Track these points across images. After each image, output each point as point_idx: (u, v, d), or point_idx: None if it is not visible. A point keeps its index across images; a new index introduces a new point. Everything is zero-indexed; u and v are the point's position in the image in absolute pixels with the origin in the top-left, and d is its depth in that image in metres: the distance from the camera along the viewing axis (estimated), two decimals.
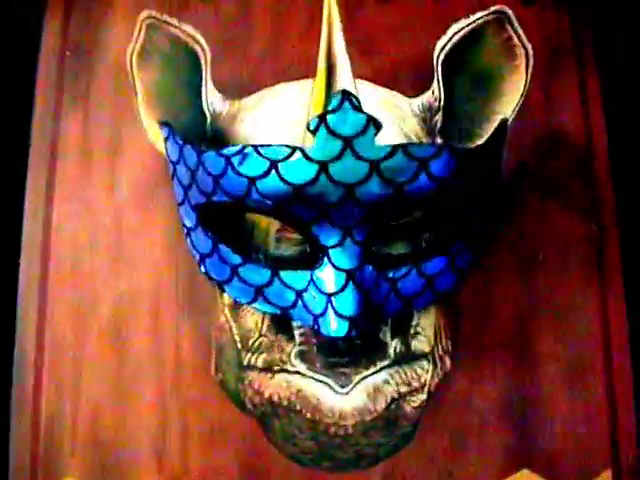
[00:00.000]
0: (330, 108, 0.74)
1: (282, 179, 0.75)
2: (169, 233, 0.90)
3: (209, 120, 0.91)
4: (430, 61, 0.91)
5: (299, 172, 0.74)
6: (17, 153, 0.93)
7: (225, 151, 0.77)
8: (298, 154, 0.74)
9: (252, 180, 0.76)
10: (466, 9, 0.93)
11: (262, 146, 0.75)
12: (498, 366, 0.88)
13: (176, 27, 0.93)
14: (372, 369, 0.86)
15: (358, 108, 0.74)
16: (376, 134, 0.74)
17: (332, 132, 0.73)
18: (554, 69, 0.94)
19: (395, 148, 0.74)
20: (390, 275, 0.81)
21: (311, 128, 0.74)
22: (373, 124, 0.74)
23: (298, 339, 0.87)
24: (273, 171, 0.75)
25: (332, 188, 0.75)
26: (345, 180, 0.74)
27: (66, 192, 0.92)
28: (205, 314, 0.89)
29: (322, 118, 0.74)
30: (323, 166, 0.74)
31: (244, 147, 0.76)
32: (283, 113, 0.90)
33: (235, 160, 0.76)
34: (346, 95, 0.74)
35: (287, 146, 0.75)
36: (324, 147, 0.74)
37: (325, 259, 0.79)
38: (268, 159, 0.75)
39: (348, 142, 0.74)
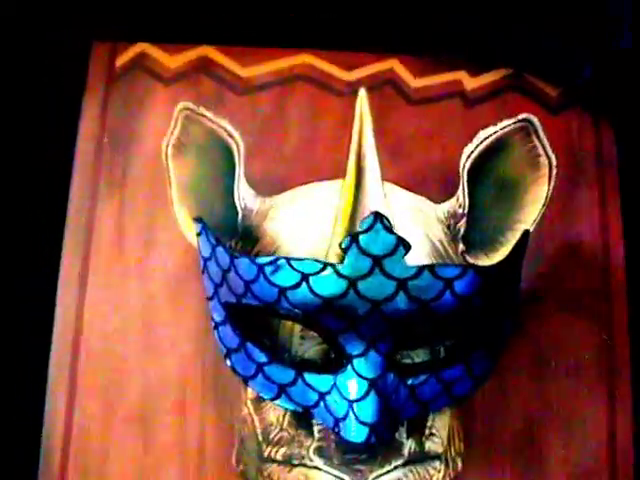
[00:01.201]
0: (362, 228, 0.77)
1: (312, 291, 0.78)
2: (197, 325, 0.92)
3: (240, 216, 0.94)
4: (457, 166, 0.94)
5: (329, 286, 0.77)
6: (52, 239, 0.94)
7: (258, 260, 0.80)
8: (329, 270, 0.77)
9: (283, 290, 0.79)
10: (494, 116, 0.97)
11: (295, 259, 0.78)
12: (507, 469, 0.90)
13: (212, 120, 0.97)
14: (387, 467, 0.89)
15: (389, 229, 0.77)
16: (405, 254, 0.77)
17: (363, 251, 0.76)
18: (576, 179, 0.97)
19: (422, 268, 0.77)
20: (409, 382, 0.84)
21: (343, 246, 0.77)
22: (402, 245, 0.77)
23: (317, 435, 0.89)
24: (304, 283, 0.78)
25: (360, 303, 0.77)
26: (373, 296, 0.77)
27: (99, 279, 0.94)
28: (229, 406, 0.91)
29: (354, 238, 0.77)
30: (352, 282, 0.77)
31: (277, 259, 0.79)
32: (311, 214, 0.94)
33: (267, 269, 0.79)
34: (378, 216, 0.77)
35: (319, 261, 0.78)
36: (354, 265, 0.77)
37: (349, 367, 0.81)
38: (300, 272, 0.78)
39: (378, 261, 0.76)
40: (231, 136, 0.96)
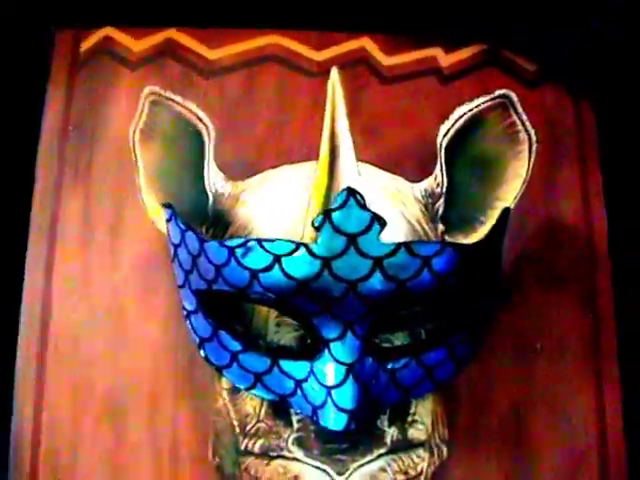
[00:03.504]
0: (335, 205, 0.74)
1: (285, 273, 0.75)
2: (169, 315, 0.89)
3: (211, 200, 0.92)
4: (434, 145, 0.92)
5: (302, 267, 0.74)
6: (17, 230, 0.91)
7: (228, 242, 0.77)
8: (302, 250, 0.74)
9: (255, 273, 0.76)
10: (471, 92, 0.95)
11: (266, 240, 0.75)
12: (494, 455, 0.87)
13: (179, 104, 0.94)
14: (369, 457, 0.86)
15: (363, 206, 0.74)
16: (380, 232, 0.74)
17: (337, 229, 0.73)
18: (556, 155, 0.94)
19: (399, 246, 0.74)
20: (389, 366, 0.81)
21: (316, 225, 0.74)
22: (377, 222, 0.74)
23: (296, 425, 0.86)
24: (276, 265, 0.75)
25: (335, 283, 0.74)
26: (348, 276, 0.74)
27: (66, 271, 0.91)
28: (203, 397, 0.88)
29: (327, 215, 0.74)
30: (326, 262, 0.74)
31: (248, 240, 0.76)
32: (285, 196, 0.91)
33: (238, 252, 0.76)
34: (351, 192, 0.74)
35: (291, 241, 0.75)
36: (328, 244, 0.74)
37: (325, 351, 0.79)
38: (272, 253, 0.75)
39: (352, 239, 0.74)
40: (200, 120, 0.93)
